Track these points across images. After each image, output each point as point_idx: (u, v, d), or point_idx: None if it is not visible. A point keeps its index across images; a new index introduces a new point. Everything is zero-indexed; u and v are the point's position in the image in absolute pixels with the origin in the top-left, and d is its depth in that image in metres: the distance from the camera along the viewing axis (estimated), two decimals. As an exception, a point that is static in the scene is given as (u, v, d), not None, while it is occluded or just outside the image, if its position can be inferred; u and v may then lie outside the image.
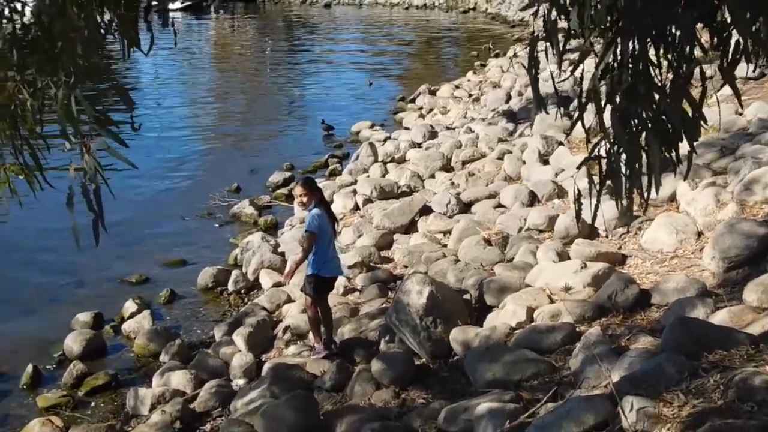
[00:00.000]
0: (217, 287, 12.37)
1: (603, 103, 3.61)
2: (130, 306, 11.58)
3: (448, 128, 19.72)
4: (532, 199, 12.41)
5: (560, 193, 12.21)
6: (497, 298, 9.26)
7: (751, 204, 9.47)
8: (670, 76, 3.60)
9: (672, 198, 10.50)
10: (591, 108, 3.72)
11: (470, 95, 24.11)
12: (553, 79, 3.83)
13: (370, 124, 22.25)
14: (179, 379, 9.45)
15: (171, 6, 46.13)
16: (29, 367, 9.97)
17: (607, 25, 3.52)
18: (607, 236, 10.42)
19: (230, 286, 12.28)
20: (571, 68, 3.80)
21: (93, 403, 9.49)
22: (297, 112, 25.82)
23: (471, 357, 7.84)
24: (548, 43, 3.77)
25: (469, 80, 26.66)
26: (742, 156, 10.72)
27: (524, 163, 14.18)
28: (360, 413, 7.48)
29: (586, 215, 4.23)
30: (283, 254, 12.69)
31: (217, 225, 15.32)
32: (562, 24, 3.78)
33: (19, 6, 4.56)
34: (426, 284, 8.72)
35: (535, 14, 3.68)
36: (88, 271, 13.02)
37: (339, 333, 9.67)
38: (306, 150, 20.69)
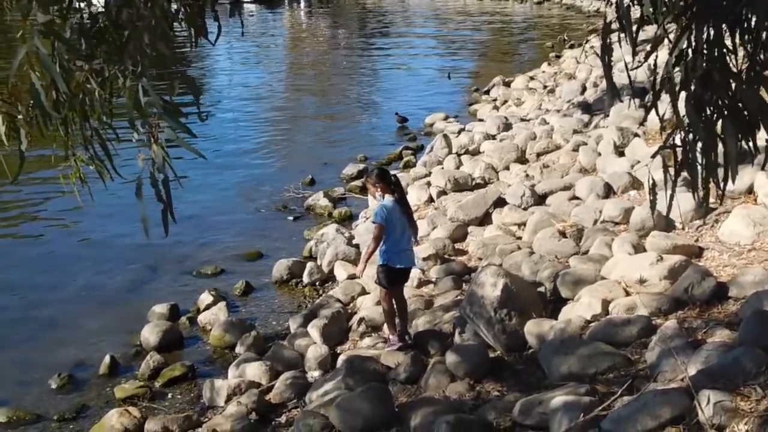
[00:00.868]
0: (292, 279, 12.44)
1: (677, 91, 3.54)
2: (205, 298, 11.71)
3: (522, 120, 19.60)
4: (608, 191, 12.27)
5: (636, 185, 12.05)
6: (572, 290, 9.19)
7: (834, 195, 9.27)
8: (747, 62, 3.53)
9: (750, 190, 10.31)
10: (666, 97, 3.67)
11: (545, 87, 23.94)
12: (627, 68, 3.77)
13: (444, 116, 22.21)
14: (255, 371, 9.53)
15: (245, -2, 46.54)
16: (107, 358, 10.14)
17: (681, 10, 3.46)
18: (683, 228, 10.26)
19: (305, 278, 12.34)
20: (645, 57, 3.74)
21: (170, 395, 9.61)
22: (371, 104, 25.89)
23: (546, 350, 7.81)
24: (622, 32, 3.72)
25: (543, 72, 26.48)
26: (824, 145, 10.48)
27: (599, 154, 14.02)
28: (435, 405, 7.48)
29: (662, 207, 4.18)
30: (357, 246, 12.73)
31: (291, 217, 15.42)
32: (636, 11, 3.74)
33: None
34: (500, 276, 8.68)
35: (608, 1, 3.63)
36: (163, 263, 13.22)
37: (413, 325, 9.67)
38: (380, 142, 20.74)
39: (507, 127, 18.68)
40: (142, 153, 4.36)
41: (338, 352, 9.87)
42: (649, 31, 3.79)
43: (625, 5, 3.57)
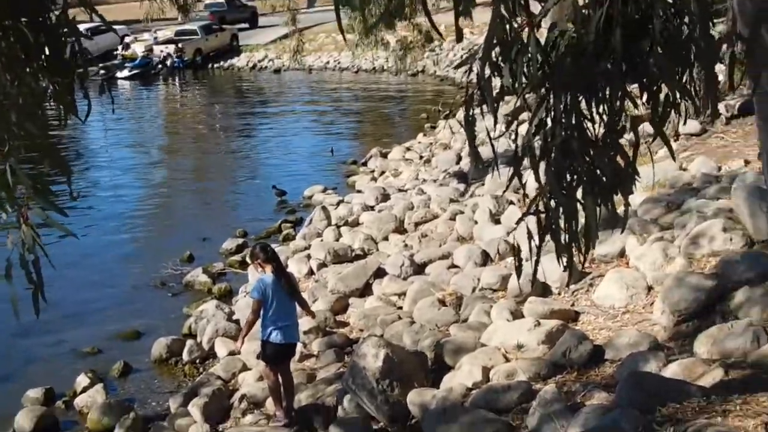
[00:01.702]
0: (172, 358, 12.23)
1: (538, 159, 3.62)
2: (82, 380, 11.40)
3: (400, 190, 19.77)
4: (485, 259, 12.43)
5: (512, 252, 12.21)
6: (453, 358, 9.24)
7: (698, 257, 9.57)
8: (603, 130, 3.63)
9: (621, 253, 10.57)
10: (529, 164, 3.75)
11: (421, 157, 24.21)
12: (489, 136, 3.84)
13: (322, 188, 22.24)
14: (134, 454, 9.28)
15: (119, 74, 46.16)
16: (-22, 448, 9.77)
17: (540, 81, 3.55)
18: (559, 293, 10.45)
19: (185, 356, 12.14)
20: (506, 126, 3.82)
21: (45, 484, 9.28)
22: (249, 178, 25.74)
23: (429, 419, 7.80)
24: (484, 103, 3.80)
25: (419, 142, 26.79)
26: (687, 210, 10.85)
27: (476, 222, 14.23)
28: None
29: (530, 272, 4.23)
30: (237, 321, 12.59)
31: (170, 294, 15.18)
32: (497, 82, 3.82)
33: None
34: (381, 347, 8.69)
35: (469, 72, 3.71)
36: (38, 345, 12.83)
37: (296, 399, 9.59)
38: (259, 215, 20.59)
39: (385, 197, 18.81)
40: (11, 234, 4.25)
41: (220, 430, 9.71)
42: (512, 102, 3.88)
43: (486, 77, 3.65)
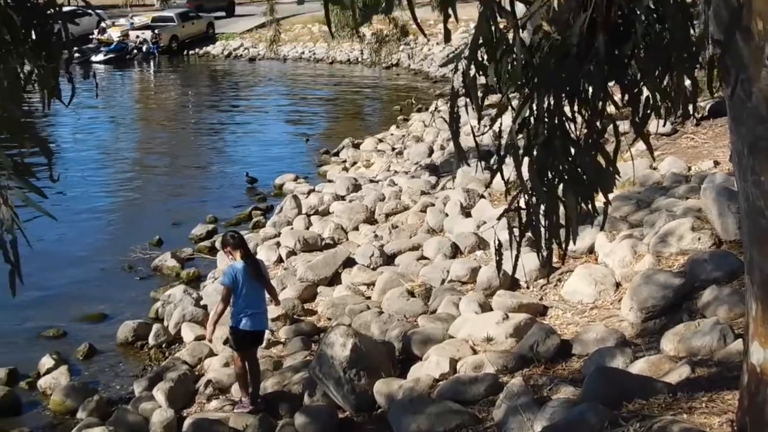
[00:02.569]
0: (138, 341, 12.18)
1: (521, 156, 3.69)
2: (46, 361, 11.33)
3: (371, 181, 19.78)
4: (455, 251, 12.51)
5: (482, 245, 12.32)
6: (421, 349, 9.31)
7: (666, 255, 9.70)
8: (585, 129, 3.71)
9: (591, 250, 10.69)
10: (511, 161, 3.81)
11: (393, 149, 24.24)
12: (474, 133, 3.91)
13: (294, 177, 22.21)
14: (96, 437, 9.27)
15: (94, 58, 45.81)
16: (-60, 426, 9.71)
17: (523, 81, 3.61)
18: (528, 287, 10.55)
19: (151, 340, 12.09)
20: (490, 123, 3.88)
21: (6, 464, 9.25)
22: (220, 165, 25.66)
23: (395, 409, 7.86)
24: (468, 98, 3.86)
25: (392, 134, 26.82)
26: (657, 209, 10.99)
27: (447, 215, 14.30)
28: (283, 468, 7.43)
29: (508, 267, 4.31)
30: (205, 307, 12.56)
31: (138, 278, 15.11)
32: (482, 79, 3.88)
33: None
34: (349, 336, 8.73)
35: (455, 70, 3.77)
36: (3, 325, 12.71)
37: (262, 387, 9.60)
38: (229, 202, 20.53)
39: (356, 188, 18.83)
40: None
41: (185, 415, 9.69)
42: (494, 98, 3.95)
43: (471, 74, 3.71)
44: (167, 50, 50.34)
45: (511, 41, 3.50)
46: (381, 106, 35.87)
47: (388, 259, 13.11)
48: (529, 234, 3.92)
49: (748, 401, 3.20)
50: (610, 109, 4.58)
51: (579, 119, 3.78)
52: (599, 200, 4.11)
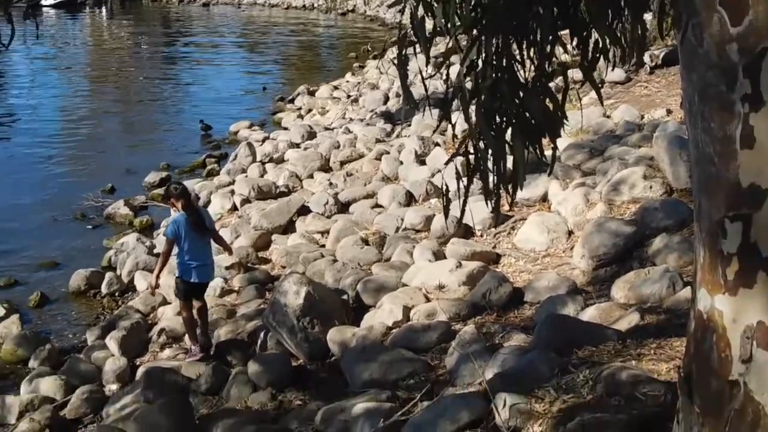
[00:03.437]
0: (90, 290, 12.06)
1: (468, 100, 3.63)
2: (-3, 310, 11.20)
3: (326, 129, 19.68)
4: (410, 200, 12.49)
5: (436, 193, 12.30)
6: (374, 297, 9.30)
7: (618, 204, 9.74)
8: (533, 73, 3.65)
9: (544, 198, 10.71)
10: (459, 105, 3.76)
11: (349, 96, 24.12)
12: (422, 76, 3.84)
13: (248, 124, 22.04)
14: (49, 386, 9.19)
15: (44, 2, 45.00)
16: None
17: (472, 23, 3.54)
18: (481, 236, 10.55)
19: (104, 289, 11.99)
20: (437, 68, 3.81)
21: (-45, 413, 9.13)
22: (174, 112, 25.42)
23: (348, 357, 7.85)
24: (417, 43, 3.79)
25: (347, 81, 26.68)
26: (610, 157, 11.02)
27: (401, 163, 14.26)
28: (236, 416, 7.41)
29: (457, 213, 4.27)
30: (158, 255, 12.44)
31: (90, 226, 14.94)
32: (430, 23, 3.81)
33: None
34: (303, 284, 8.70)
35: (402, 11, 3.69)
36: (-48, 275, 12.56)
37: (215, 335, 9.57)
38: (183, 150, 20.34)
39: (311, 135, 18.71)
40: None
41: (138, 364, 9.65)
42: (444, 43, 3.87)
43: (419, 17, 3.63)
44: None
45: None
46: (336, 53, 35.68)
47: (343, 207, 13.08)
48: (477, 180, 3.88)
49: (694, 348, 3.20)
50: (564, 57, 4.55)
51: (528, 63, 3.73)
52: (550, 148, 4.07)
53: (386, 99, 21.63)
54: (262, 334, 9.10)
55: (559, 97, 3.76)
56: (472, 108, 3.64)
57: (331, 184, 14.38)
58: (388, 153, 15.09)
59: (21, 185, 17.25)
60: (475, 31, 3.55)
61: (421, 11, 3.65)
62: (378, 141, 16.53)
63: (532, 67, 3.71)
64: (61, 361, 9.93)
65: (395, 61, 3.99)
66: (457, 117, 3.85)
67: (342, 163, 15.77)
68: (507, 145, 3.72)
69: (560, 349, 6.14)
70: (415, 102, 4.08)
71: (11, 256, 13.45)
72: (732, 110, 2.82)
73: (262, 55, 34.90)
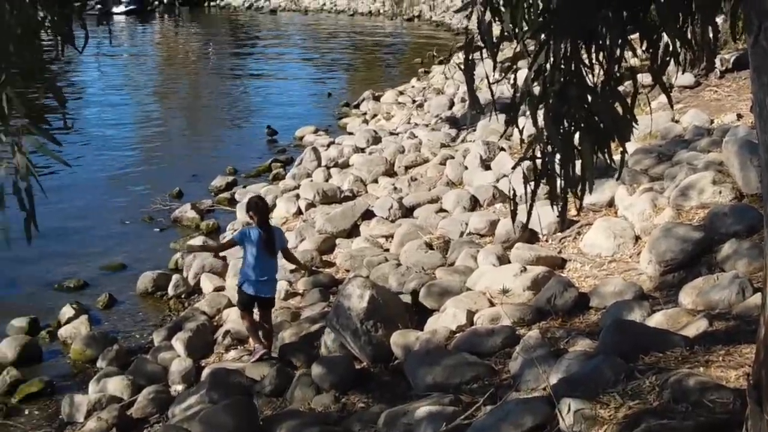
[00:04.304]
0: (157, 292, 12.25)
1: (536, 104, 3.63)
2: (67, 311, 11.39)
3: (391, 133, 19.72)
4: (474, 204, 12.45)
5: (501, 197, 12.25)
6: (438, 301, 9.29)
7: (686, 209, 9.60)
8: (602, 77, 3.64)
9: (610, 203, 10.61)
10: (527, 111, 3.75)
11: (414, 101, 24.15)
12: (488, 81, 3.84)
13: (314, 129, 22.20)
14: (116, 385, 9.35)
15: (115, 10, 45.73)
16: (-39, 374, 9.77)
17: (540, 27, 3.54)
18: (547, 240, 10.50)
19: (170, 291, 12.16)
20: (505, 72, 3.81)
21: (27, 411, 9.31)
22: (241, 117, 25.69)
23: (411, 361, 7.86)
24: (484, 48, 3.79)
25: (413, 86, 26.73)
26: (678, 162, 10.87)
27: (466, 168, 14.23)
28: (300, 418, 7.46)
29: (524, 217, 4.26)
30: (224, 258, 12.60)
31: (158, 229, 15.17)
32: (497, 27, 3.81)
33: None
34: (367, 288, 8.72)
35: (470, 17, 3.70)
36: (24, 276, 12.82)
37: (279, 337, 9.64)
38: (249, 154, 20.55)
39: (376, 140, 18.77)
40: (5, 161, 4.25)
41: (203, 365, 9.76)
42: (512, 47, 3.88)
43: (486, 22, 3.64)
44: (188, 2, 50.14)
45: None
46: (402, 59, 35.73)
47: (407, 212, 13.08)
48: (544, 184, 3.87)
49: (764, 355, 3.16)
50: (633, 61, 4.52)
51: (596, 67, 3.71)
52: (618, 153, 4.05)
53: (451, 104, 21.60)
54: (325, 337, 9.15)
55: (629, 101, 3.74)
56: (540, 112, 3.64)
57: (395, 188, 14.41)
58: (452, 158, 15.06)
59: (91, 190, 17.58)
60: (543, 36, 3.54)
61: (488, 16, 3.65)
62: (443, 146, 16.52)
63: (601, 72, 3.69)
64: (128, 362, 10.08)
65: (461, 66, 3.99)
66: (524, 122, 3.85)
67: (407, 168, 15.79)
68: (575, 150, 3.71)
69: (626, 355, 6.09)
70: (481, 107, 4.08)
71: (81, 258, 13.69)
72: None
73: (327, 61, 35.08)
